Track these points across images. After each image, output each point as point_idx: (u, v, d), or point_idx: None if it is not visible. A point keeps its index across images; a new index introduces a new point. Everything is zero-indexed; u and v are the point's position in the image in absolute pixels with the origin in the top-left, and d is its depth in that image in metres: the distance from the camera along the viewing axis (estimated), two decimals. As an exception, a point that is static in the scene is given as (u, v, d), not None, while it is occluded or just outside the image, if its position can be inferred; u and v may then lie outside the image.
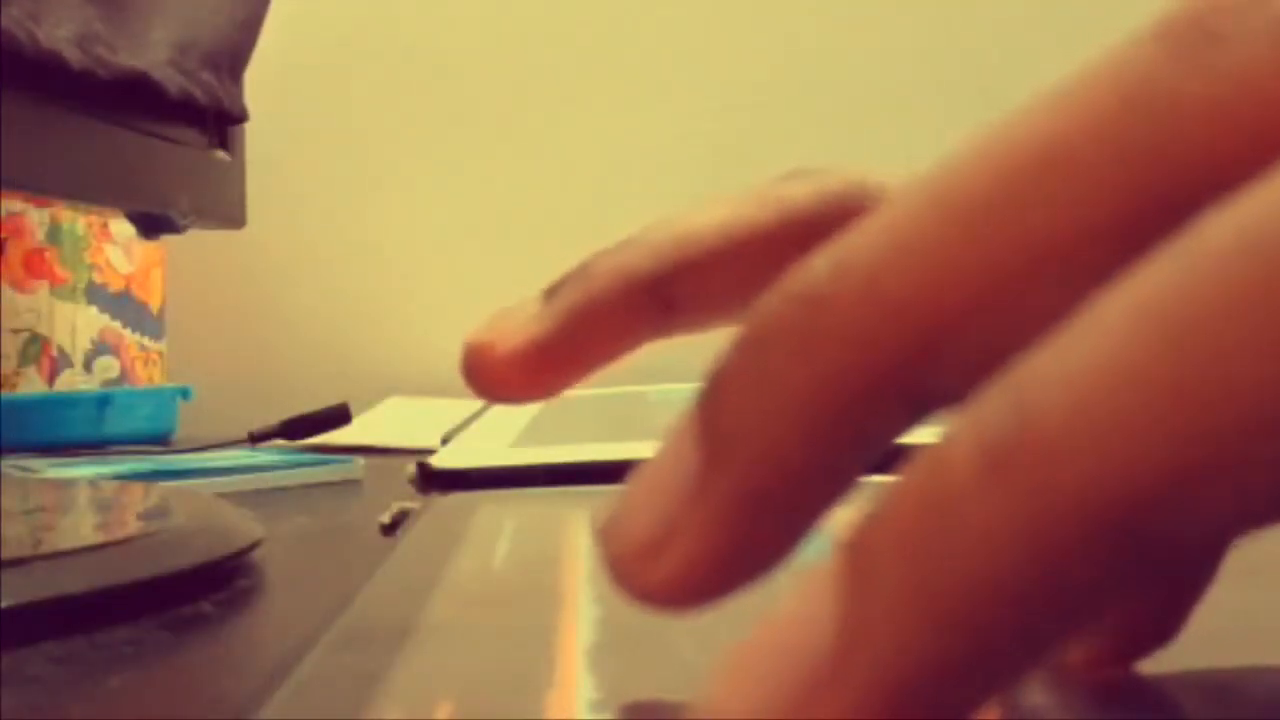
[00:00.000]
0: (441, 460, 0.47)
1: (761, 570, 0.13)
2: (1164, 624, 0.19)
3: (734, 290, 0.20)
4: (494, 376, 0.20)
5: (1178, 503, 0.10)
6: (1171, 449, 0.10)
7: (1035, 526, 0.10)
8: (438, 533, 0.34)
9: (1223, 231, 0.10)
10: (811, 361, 0.12)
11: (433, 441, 0.56)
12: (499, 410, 0.68)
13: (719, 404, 0.13)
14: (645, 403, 0.66)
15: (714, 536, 0.13)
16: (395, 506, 0.44)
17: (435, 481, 0.45)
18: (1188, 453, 0.10)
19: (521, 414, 0.65)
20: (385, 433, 0.80)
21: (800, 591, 0.12)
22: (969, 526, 0.10)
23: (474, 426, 0.61)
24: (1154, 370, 0.10)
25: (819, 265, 0.12)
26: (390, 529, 0.43)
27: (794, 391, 0.12)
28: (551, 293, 0.20)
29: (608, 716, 0.17)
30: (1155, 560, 0.10)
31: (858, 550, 0.11)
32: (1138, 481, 0.10)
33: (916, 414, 0.13)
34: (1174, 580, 0.18)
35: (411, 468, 0.47)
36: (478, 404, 0.72)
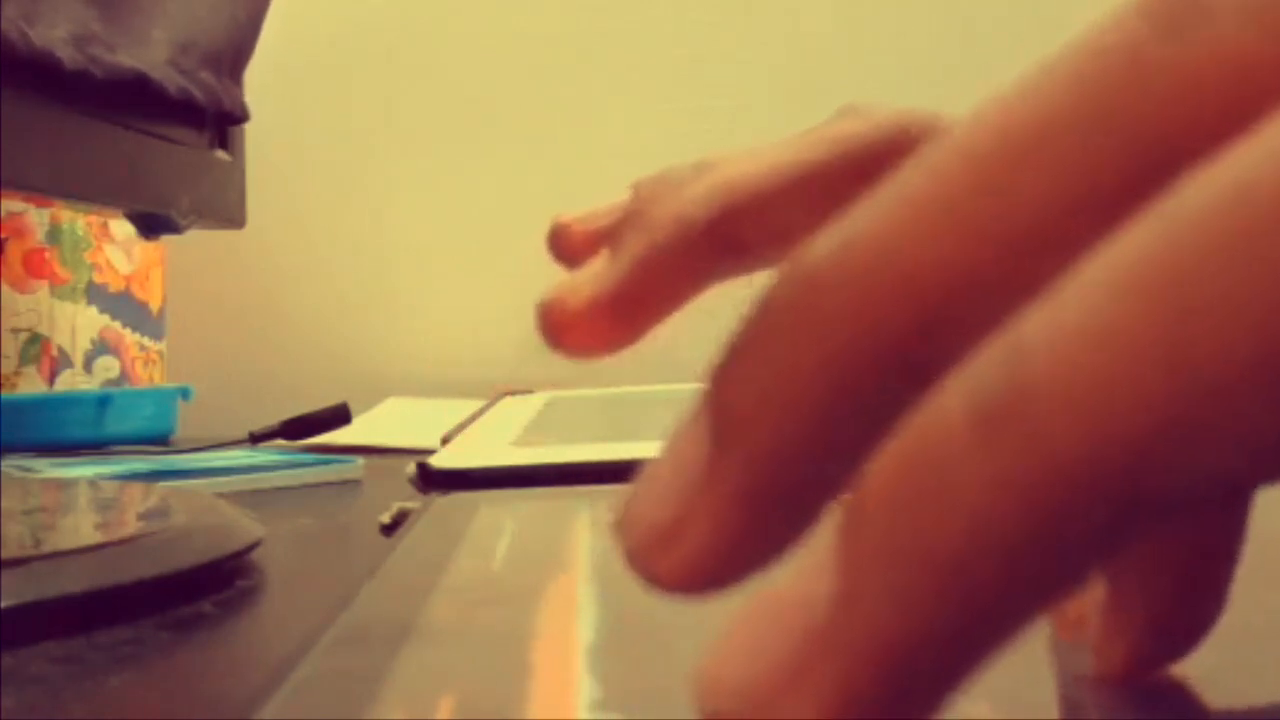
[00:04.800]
0: (441, 460, 0.47)
1: (774, 555, 0.13)
2: (1195, 625, 0.19)
3: (796, 226, 0.20)
4: (569, 330, 0.21)
5: (1166, 457, 0.10)
6: (1156, 404, 0.10)
7: (1026, 485, 0.10)
8: (438, 533, 0.34)
9: (1201, 192, 0.10)
10: (816, 342, 0.12)
11: (433, 441, 0.56)
12: (499, 410, 0.68)
13: (727, 389, 0.13)
14: (645, 403, 0.66)
15: (725, 524, 0.13)
16: (395, 506, 0.44)
17: (435, 481, 0.45)
18: (1172, 408, 0.10)
19: (522, 414, 0.65)
20: (385, 433, 0.80)
21: (796, 560, 0.12)
22: (961, 486, 0.11)
23: (474, 426, 0.61)
24: (1138, 328, 0.10)
25: (822, 245, 0.12)
26: (390, 529, 0.43)
27: (799, 374, 0.12)
28: (615, 245, 0.20)
29: (608, 716, 0.17)
30: (1147, 516, 0.10)
31: (851, 515, 0.11)
32: (1126, 437, 0.10)
33: (923, 389, 0.13)
34: (1198, 578, 0.18)
35: (411, 468, 0.47)
36: (478, 404, 0.72)
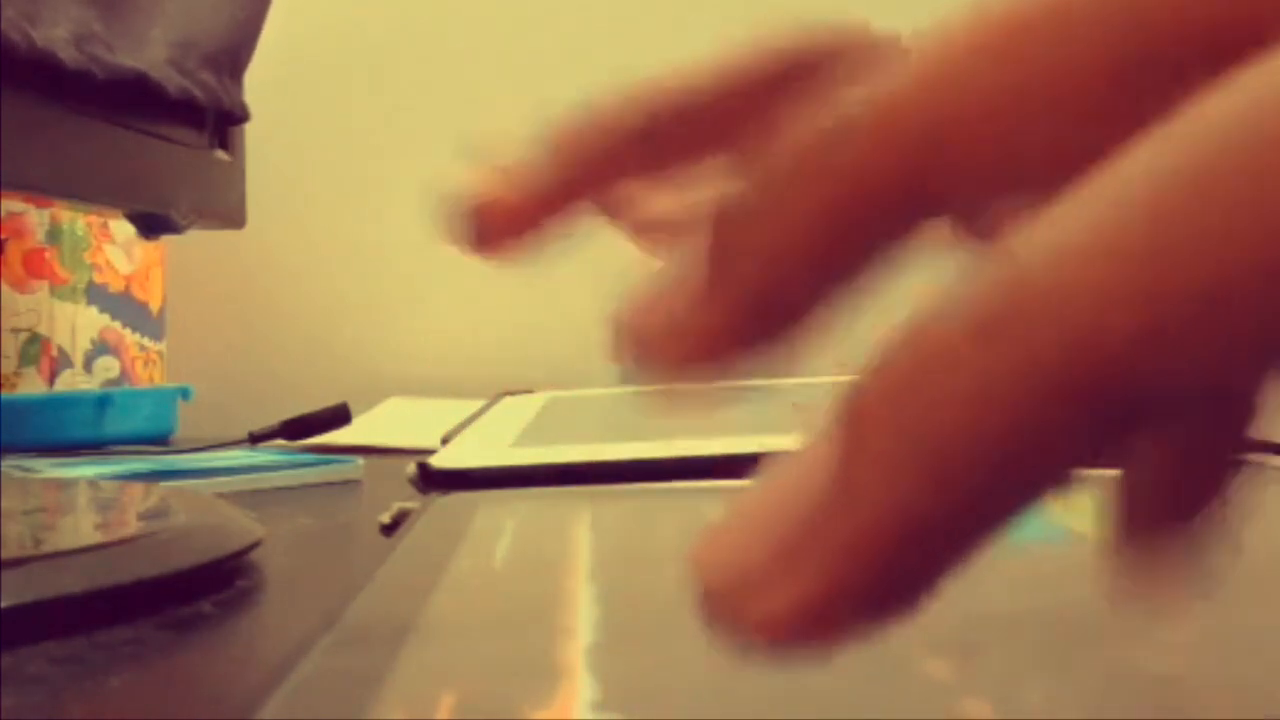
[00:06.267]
0: (441, 460, 0.47)
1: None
2: (1200, 491, 0.19)
3: (720, 129, 0.21)
4: (479, 219, 0.21)
5: (1150, 364, 0.11)
6: (1139, 312, 0.11)
7: (1020, 386, 0.11)
8: (438, 533, 0.34)
9: (1201, 118, 0.11)
10: (824, 175, 0.13)
11: (433, 441, 0.56)
12: (499, 410, 0.68)
13: (733, 221, 0.14)
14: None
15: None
16: (395, 506, 0.44)
17: (435, 481, 0.45)
18: (1158, 314, 0.11)
19: (522, 414, 0.65)
20: (385, 433, 0.80)
21: (793, 454, 0.12)
22: (958, 387, 0.11)
23: (474, 426, 0.61)
24: (1130, 241, 0.11)
25: (850, 98, 0.13)
26: (390, 529, 0.43)
27: (809, 203, 0.13)
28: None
29: (608, 716, 0.17)
30: (1132, 420, 0.11)
31: (850, 411, 0.12)
32: (1110, 343, 0.11)
33: (920, 220, 0.13)
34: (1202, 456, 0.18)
35: (411, 468, 0.47)
36: (478, 404, 0.72)
